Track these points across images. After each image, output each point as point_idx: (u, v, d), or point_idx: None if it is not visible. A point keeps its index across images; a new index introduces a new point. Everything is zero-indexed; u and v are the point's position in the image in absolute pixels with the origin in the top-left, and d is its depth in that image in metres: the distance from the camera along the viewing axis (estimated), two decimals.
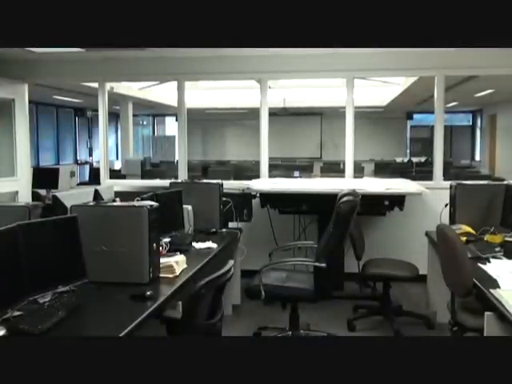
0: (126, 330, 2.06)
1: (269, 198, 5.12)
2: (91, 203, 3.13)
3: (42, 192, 6.28)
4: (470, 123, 15.85)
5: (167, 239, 3.50)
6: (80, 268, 2.54)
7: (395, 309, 4.50)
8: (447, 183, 4.65)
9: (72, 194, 3.85)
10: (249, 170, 9.26)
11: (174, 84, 6.24)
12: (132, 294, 2.51)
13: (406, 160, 13.12)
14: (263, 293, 3.48)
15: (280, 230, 5.50)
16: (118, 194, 4.12)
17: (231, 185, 5.31)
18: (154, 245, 2.83)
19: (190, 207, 4.22)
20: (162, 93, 10.99)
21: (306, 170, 10.29)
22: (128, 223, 2.78)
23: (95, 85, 6.37)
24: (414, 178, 6.25)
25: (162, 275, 2.88)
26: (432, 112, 5.84)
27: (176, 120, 6.45)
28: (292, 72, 5.92)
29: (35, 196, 6.09)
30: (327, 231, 3.58)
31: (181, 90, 6.07)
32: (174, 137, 13.00)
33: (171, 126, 15.62)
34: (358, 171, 7.53)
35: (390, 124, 14.64)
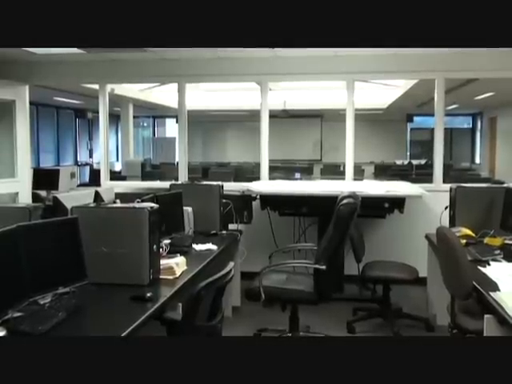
0: (126, 332, 2.05)
1: (269, 200, 5.13)
2: (92, 205, 3.13)
3: (43, 193, 6.29)
4: (470, 126, 15.87)
5: (167, 241, 3.50)
6: (80, 269, 2.54)
7: (395, 311, 4.50)
8: (447, 186, 4.65)
9: (72, 196, 3.86)
10: (249, 172, 9.27)
11: (174, 86, 6.25)
12: (132, 295, 2.51)
13: (406, 162, 13.13)
14: (263, 295, 3.48)
15: (280, 232, 5.50)
16: (118, 195, 4.12)
17: (231, 187, 5.30)
18: (155, 246, 2.83)
19: (190, 209, 4.22)
20: (163, 94, 11.00)
21: (306, 172, 10.31)
22: (128, 225, 2.78)
23: (96, 86, 6.38)
24: (414, 181, 6.26)
25: (162, 277, 2.87)
26: (432, 114, 5.85)
27: (176, 122, 6.46)
28: (292, 74, 5.94)
29: (35, 197, 6.09)
30: (327, 233, 3.58)
31: (181, 91, 6.08)
32: (174, 138, 13.01)
33: (172, 128, 15.62)
34: (358, 173, 7.55)
35: (390, 126, 14.65)
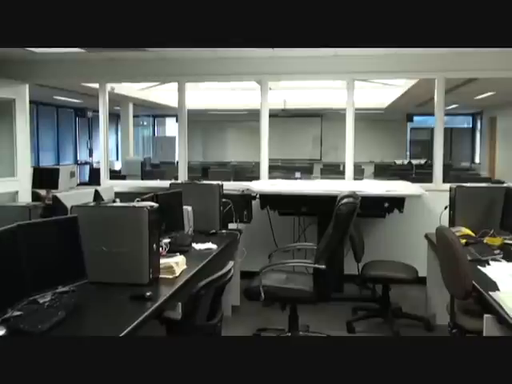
0: (126, 331, 2.06)
1: (268, 200, 5.13)
2: (91, 204, 3.13)
3: (42, 192, 6.28)
4: (470, 125, 15.86)
5: (167, 240, 3.50)
6: (80, 268, 2.54)
7: (394, 311, 4.50)
8: (447, 185, 4.65)
9: (72, 195, 3.85)
10: (249, 172, 9.27)
11: (174, 85, 6.25)
12: (132, 294, 2.51)
13: (405, 162, 13.13)
14: (263, 294, 3.48)
15: (280, 232, 5.50)
16: (118, 194, 4.11)
17: (231, 186, 5.31)
18: (154, 245, 2.83)
19: (189, 208, 4.22)
20: (163, 94, 11.00)
21: (305, 171, 10.29)
22: (128, 224, 2.78)
23: (96, 85, 6.38)
24: (413, 180, 6.25)
25: (161, 276, 2.88)
26: (432, 114, 5.85)
27: (176, 121, 6.46)
28: (292, 73, 5.94)
29: (35, 196, 6.09)
30: (327, 233, 3.58)
31: (181, 91, 6.08)
32: (174, 137, 13.02)
33: (171, 127, 15.63)
34: (358, 173, 7.54)
35: (390, 126, 14.65)
